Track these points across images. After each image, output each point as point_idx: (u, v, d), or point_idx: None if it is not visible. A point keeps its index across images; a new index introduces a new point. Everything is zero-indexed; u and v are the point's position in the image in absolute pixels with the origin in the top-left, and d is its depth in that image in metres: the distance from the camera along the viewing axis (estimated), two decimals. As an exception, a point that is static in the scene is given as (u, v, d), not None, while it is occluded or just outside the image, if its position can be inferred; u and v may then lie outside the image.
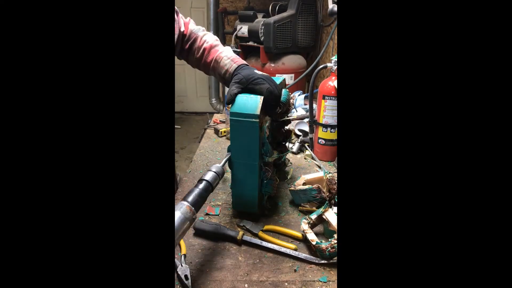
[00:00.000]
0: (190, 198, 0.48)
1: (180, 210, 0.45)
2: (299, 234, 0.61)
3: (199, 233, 0.61)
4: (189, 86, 3.54)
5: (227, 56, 0.66)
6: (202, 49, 0.68)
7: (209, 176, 0.54)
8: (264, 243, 0.58)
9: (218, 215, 0.68)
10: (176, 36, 0.64)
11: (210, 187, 0.53)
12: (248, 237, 0.60)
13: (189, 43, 0.68)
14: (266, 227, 0.63)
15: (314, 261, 0.55)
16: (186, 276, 0.51)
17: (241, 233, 0.60)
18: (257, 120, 0.58)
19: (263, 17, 2.12)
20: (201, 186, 0.51)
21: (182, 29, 0.66)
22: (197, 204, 0.48)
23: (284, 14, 1.92)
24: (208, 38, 0.69)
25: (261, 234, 0.61)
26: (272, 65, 1.99)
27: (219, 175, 0.56)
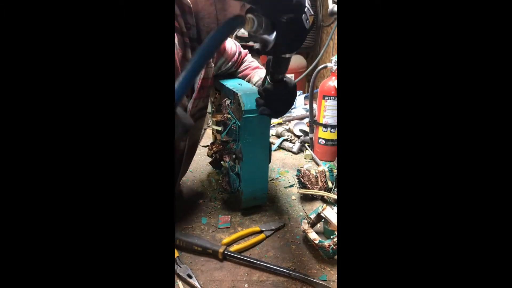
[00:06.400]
0: None
1: None
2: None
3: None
4: (189, 86, 3.53)
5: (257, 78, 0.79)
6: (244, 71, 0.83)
7: None
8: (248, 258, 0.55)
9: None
10: (236, 54, 0.80)
11: None
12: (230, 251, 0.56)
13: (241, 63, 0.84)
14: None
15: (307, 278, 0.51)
16: (189, 275, 0.51)
17: (220, 250, 0.56)
18: None
19: (263, 17, 2.11)
20: None
21: (242, 51, 0.83)
22: None
23: (284, 14, 1.91)
24: (253, 64, 0.84)
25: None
26: (272, 65, 1.99)
27: None
